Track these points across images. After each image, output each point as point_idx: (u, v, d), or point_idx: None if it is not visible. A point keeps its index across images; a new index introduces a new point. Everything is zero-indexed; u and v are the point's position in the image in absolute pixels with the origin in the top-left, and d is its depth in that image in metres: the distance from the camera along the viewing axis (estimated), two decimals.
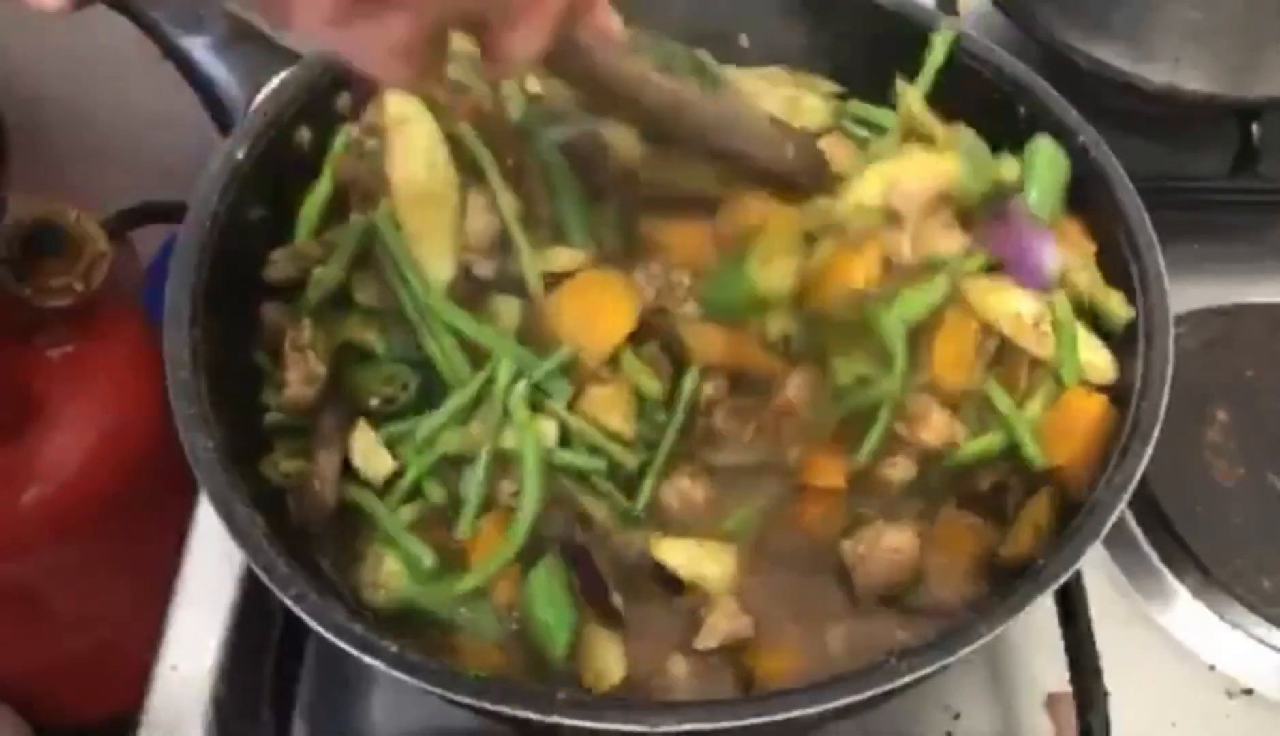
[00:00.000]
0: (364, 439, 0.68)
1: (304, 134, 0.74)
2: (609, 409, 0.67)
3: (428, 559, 0.65)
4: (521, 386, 0.66)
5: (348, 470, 0.68)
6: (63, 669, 1.27)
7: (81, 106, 1.48)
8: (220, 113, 0.76)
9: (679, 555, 0.67)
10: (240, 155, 0.70)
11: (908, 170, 0.72)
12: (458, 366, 0.67)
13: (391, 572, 0.65)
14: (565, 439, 0.67)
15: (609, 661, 0.64)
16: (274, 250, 0.72)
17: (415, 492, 0.68)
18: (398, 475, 0.68)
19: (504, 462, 0.66)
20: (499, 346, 0.67)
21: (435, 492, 0.67)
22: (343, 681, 0.77)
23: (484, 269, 0.68)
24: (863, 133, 0.82)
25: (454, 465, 0.67)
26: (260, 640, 0.72)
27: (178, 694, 0.75)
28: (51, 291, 1.15)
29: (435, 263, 0.68)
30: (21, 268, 1.14)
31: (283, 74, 0.74)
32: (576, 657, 0.64)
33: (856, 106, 0.83)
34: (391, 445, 0.68)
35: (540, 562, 0.65)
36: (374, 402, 0.69)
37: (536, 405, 0.67)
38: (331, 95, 0.75)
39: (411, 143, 0.70)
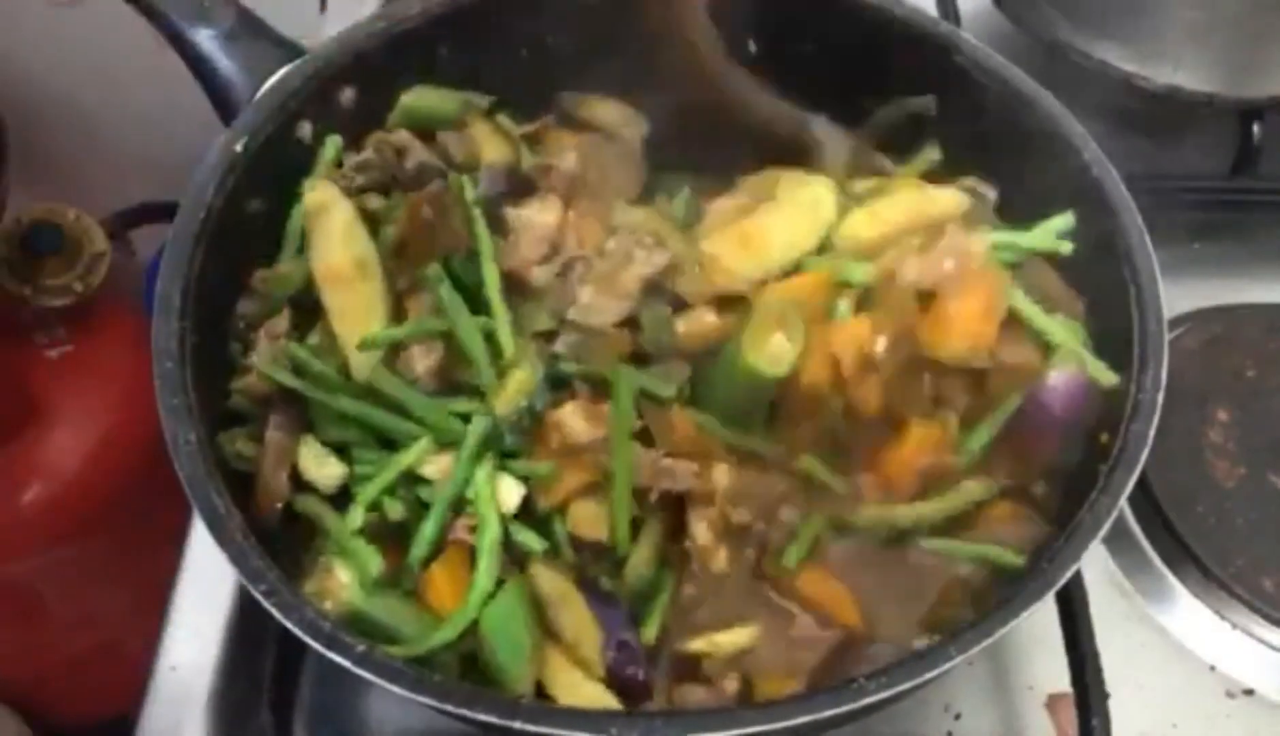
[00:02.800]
0: (310, 450, 0.67)
1: (305, 128, 0.73)
2: (591, 522, 0.65)
3: (375, 564, 0.63)
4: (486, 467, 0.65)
5: (300, 485, 0.67)
6: (63, 669, 1.27)
7: (81, 107, 1.48)
8: (224, 105, 0.75)
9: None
10: (238, 148, 0.69)
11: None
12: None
13: (341, 584, 0.63)
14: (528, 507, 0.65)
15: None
16: (268, 242, 0.72)
17: (374, 506, 0.66)
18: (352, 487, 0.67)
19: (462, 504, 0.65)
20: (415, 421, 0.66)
21: (394, 509, 0.65)
22: (342, 682, 0.77)
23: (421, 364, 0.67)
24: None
25: (414, 480, 0.66)
26: (260, 640, 0.72)
27: (178, 694, 0.75)
28: (51, 291, 1.15)
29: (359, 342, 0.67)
30: (21, 268, 1.14)
31: (287, 67, 0.74)
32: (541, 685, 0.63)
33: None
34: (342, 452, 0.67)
35: (498, 595, 0.62)
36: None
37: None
38: (335, 90, 0.75)
39: (329, 227, 0.69)
